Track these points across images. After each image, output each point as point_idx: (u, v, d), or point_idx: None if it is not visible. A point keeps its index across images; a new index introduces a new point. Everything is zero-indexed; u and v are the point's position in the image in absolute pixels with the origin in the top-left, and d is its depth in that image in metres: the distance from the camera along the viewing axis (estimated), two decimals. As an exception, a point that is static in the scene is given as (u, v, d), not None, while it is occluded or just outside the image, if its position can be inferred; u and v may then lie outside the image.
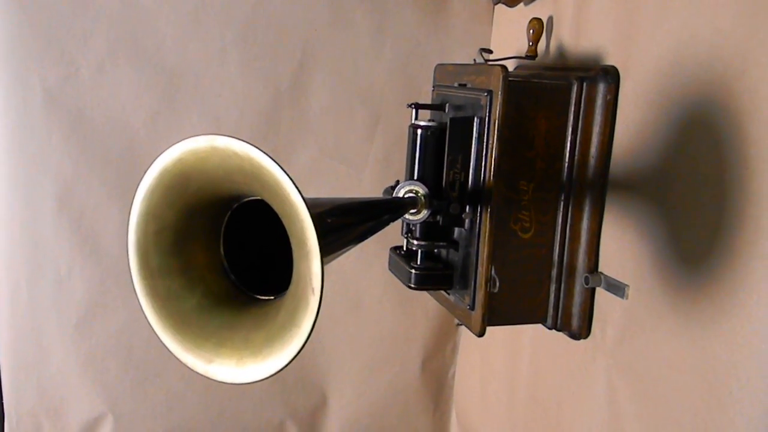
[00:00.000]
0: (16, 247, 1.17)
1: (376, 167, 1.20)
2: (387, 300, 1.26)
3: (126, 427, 1.24)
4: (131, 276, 0.58)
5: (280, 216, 0.52)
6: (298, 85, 1.16)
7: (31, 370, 1.21)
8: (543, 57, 0.96)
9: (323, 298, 0.50)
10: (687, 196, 0.72)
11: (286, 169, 0.50)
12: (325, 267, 0.50)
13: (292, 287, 0.54)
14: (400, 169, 1.16)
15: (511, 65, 1.01)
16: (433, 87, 0.95)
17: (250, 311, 0.59)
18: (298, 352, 0.51)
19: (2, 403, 1.25)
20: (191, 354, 0.57)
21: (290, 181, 0.49)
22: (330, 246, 0.62)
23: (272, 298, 0.60)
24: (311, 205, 0.54)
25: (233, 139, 0.51)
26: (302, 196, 0.49)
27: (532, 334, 1.02)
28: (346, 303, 1.26)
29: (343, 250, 0.66)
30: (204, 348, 0.57)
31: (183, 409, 1.25)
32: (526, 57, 0.92)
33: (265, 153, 0.50)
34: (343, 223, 0.67)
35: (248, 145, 0.51)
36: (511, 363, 1.09)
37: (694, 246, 0.71)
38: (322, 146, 1.18)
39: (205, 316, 0.58)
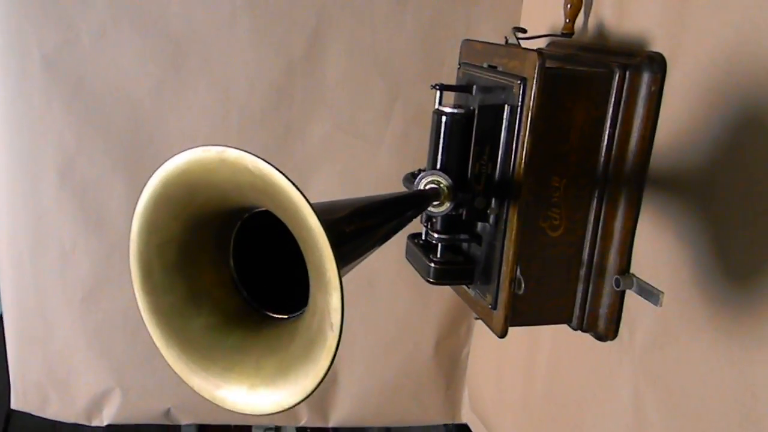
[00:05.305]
0: (19, 219, 1.12)
1: (394, 144, 1.14)
2: (401, 280, 1.21)
3: (134, 400, 1.23)
4: (134, 292, 0.54)
5: (297, 240, 0.47)
6: (313, 55, 1.09)
7: (37, 343, 1.19)
8: (580, 35, 0.89)
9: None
10: (736, 203, 0.66)
11: (303, 192, 0.44)
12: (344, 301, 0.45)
13: (308, 315, 0.49)
14: (418, 146, 1.10)
15: (543, 41, 0.94)
16: (459, 64, 0.89)
17: (261, 333, 0.54)
18: (314, 390, 0.47)
19: (8, 374, 1.23)
20: (198, 377, 0.54)
21: (309, 206, 0.44)
22: (351, 254, 0.57)
23: (286, 317, 0.56)
24: (326, 210, 0.49)
25: (246, 153, 0.46)
26: (322, 222, 0.44)
27: (554, 327, 0.97)
28: (360, 282, 1.22)
29: (365, 256, 0.61)
30: (211, 371, 0.53)
31: (191, 383, 1.23)
32: (562, 35, 0.85)
33: (281, 172, 0.44)
34: (365, 227, 0.62)
35: (262, 161, 0.45)
36: (529, 353, 1.05)
37: (742, 259, 0.66)
38: (337, 120, 1.12)
39: (213, 337, 0.54)
